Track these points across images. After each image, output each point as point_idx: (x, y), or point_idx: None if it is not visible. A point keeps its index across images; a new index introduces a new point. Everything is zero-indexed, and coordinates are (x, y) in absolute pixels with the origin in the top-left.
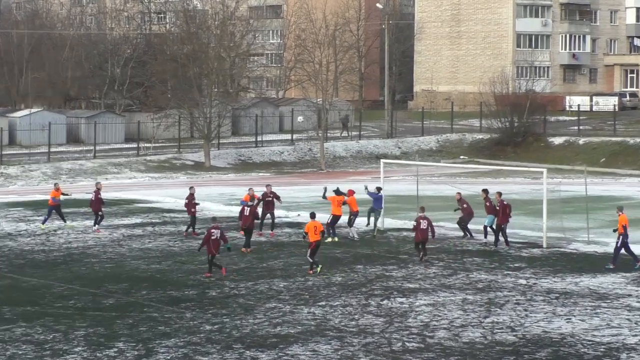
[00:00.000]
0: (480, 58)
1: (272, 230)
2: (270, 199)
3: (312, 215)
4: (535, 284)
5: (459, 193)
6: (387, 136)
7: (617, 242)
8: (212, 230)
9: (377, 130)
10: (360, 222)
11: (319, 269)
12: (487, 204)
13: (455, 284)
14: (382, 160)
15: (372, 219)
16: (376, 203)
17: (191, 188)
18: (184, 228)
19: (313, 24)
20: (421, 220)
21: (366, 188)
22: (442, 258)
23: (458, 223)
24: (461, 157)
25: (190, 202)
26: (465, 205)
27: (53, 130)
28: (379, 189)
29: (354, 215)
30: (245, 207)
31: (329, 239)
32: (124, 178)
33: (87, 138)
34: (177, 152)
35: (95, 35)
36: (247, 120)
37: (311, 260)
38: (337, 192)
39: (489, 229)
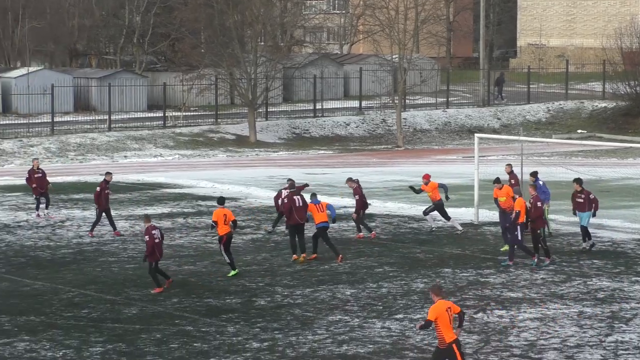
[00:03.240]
0: (603, 3)
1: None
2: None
3: (220, 201)
4: None
5: (509, 165)
6: (483, 104)
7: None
8: (154, 232)
9: (470, 96)
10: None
11: (233, 273)
12: (582, 197)
13: (570, 294)
14: (477, 135)
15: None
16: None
17: (107, 174)
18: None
19: None
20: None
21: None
22: (553, 260)
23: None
24: (579, 131)
25: (102, 193)
26: (512, 182)
27: (57, 94)
28: (534, 174)
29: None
30: (296, 198)
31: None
32: (147, 156)
33: (100, 105)
34: (215, 123)
35: None
36: (302, 83)
37: (228, 260)
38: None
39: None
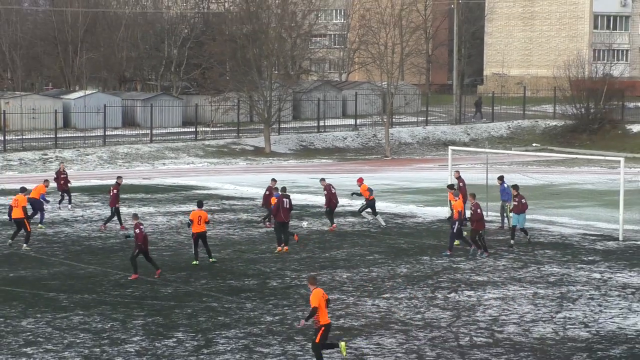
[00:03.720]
0: (554, 40)
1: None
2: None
3: (199, 204)
4: (610, 278)
5: (457, 171)
6: (455, 122)
7: (452, 229)
8: (141, 227)
9: (445, 115)
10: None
11: (195, 262)
12: (518, 201)
13: (526, 277)
14: (450, 147)
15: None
16: (503, 195)
17: (119, 178)
18: (244, 216)
19: (378, 3)
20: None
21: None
22: (512, 250)
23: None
24: (533, 144)
25: (115, 194)
26: (461, 184)
27: (108, 112)
28: (501, 178)
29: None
30: (284, 199)
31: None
32: (181, 163)
33: (143, 121)
34: (236, 136)
35: (152, 14)
36: (308, 104)
37: (194, 252)
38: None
39: (518, 229)
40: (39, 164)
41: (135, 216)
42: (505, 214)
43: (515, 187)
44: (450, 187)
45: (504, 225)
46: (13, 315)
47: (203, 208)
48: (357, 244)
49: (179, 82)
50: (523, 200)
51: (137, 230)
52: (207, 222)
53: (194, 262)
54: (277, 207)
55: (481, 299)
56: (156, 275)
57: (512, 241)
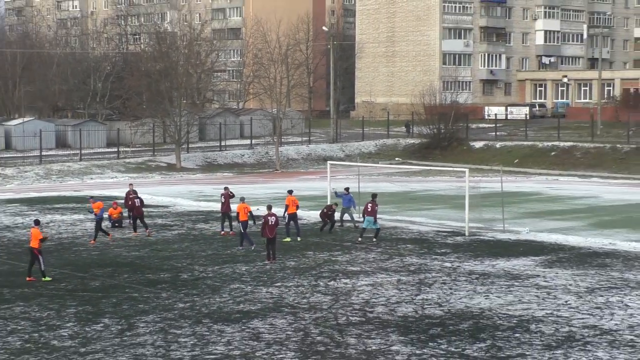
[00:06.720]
0: (412, 74)
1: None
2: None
3: (36, 222)
4: (458, 266)
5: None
6: (333, 141)
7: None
8: None
9: (324, 136)
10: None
11: (47, 279)
12: (369, 208)
13: (391, 267)
14: (329, 162)
15: (347, 217)
16: (345, 202)
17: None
18: (159, 220)
19: (268, 44)
20: (269, 218)
21: (334, 191)
22: (380, 245)
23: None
24: (396, 158)
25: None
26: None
27: (44, 136)
28: (347, 189)
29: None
30: (269, 218)
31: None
32: (106, 178)
33: (74, 143)
34: (152, 155)
35: (79, 54)
36: (212, 128)
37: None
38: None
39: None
40: None
41: None
42: (350, 217)
43: (373, 195)
44: (290, 192)
45: (343, 224)
46: None
47: (39, 226)
48: (256, 242)
49: (104, 110)
50: (376, 208)
51: None
52: (42, 240)
53: (47, 279)
54: (263, 225)
55: (355, 286)
56: None
57: (360, 239)
